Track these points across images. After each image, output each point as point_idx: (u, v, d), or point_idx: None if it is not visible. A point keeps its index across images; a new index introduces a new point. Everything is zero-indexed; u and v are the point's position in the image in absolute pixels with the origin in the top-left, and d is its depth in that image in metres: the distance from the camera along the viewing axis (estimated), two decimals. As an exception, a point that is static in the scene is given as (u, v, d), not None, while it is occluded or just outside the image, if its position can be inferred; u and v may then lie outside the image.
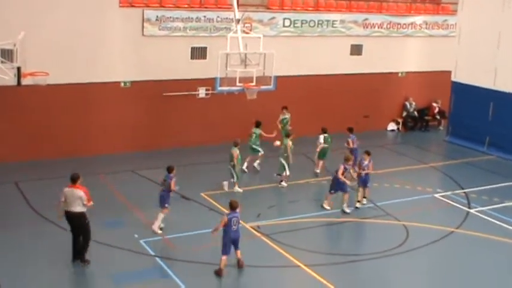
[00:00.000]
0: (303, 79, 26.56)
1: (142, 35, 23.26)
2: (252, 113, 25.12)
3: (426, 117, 29.89)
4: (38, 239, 15.97)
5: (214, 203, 18.80)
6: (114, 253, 15.37)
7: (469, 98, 26.65)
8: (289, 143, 20.46)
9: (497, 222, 18.04)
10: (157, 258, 15.20)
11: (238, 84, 20.61)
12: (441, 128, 29.93)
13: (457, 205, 19.45)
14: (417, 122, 29.75)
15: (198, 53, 24.31)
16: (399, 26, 28.44)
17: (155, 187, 19.95)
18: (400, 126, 29.44)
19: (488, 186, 21.11)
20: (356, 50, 27.84)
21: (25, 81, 18.00)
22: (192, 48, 24.21)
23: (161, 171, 21.37)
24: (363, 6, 27.86)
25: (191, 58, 24.30)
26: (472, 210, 19.03)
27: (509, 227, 17.67)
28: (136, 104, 23.55)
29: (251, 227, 17.04)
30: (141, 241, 16.00)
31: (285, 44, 25.46)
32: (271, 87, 21.30)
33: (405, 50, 29.10)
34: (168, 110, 24.15)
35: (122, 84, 23.40)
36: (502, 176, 22.42)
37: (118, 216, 17.63)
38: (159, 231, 16.50)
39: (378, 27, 27.97)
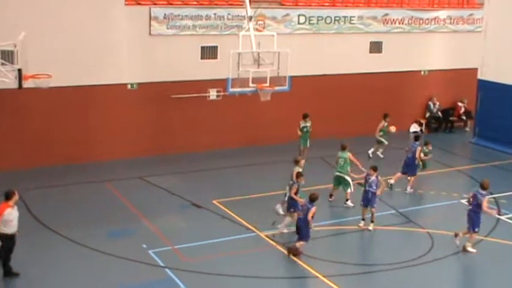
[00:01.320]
0: (319, 79, 26.47)
1: (150, 34, 23.29)
2: (266, 115, 25.13)
3: (451, 118, 29.67)
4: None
5: (226, 210, 18.74)
6: (121, 264, 15.34)
7: (496, 97, 26.41)
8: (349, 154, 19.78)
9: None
10: (167, 270, 15.14)
11: (251, 85, 20.50)
12: (467, 129, 29.69)
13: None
14: (441, 123, 29.54)
15: (209, 52, 24.30)
16: (421, 21, 28.27)
17: (164, 194, 20.05)
18: (424, 127, 29.24)
19: (518, 191, 20.88)
20: (375, 47, 27.70)
21: (26, 84, 18.10)
22: (202, 47, 24.22)
23: (170, 177, 21.61)
24: (382, 1, 27.75)
25: (201, 58, 24.30)
26: (502, 217, 18.79)
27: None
28: (143, 106, 23.57)
29: (266, 236, 16.96)
30: (150, 251, 15.96)
31: (300, 42, 25.38)
32: (286, 87, 21.19)
33: (428, 47, 28.91)
34: (177, 113, 24.14)
35: (129, 86, 23.44)
36: (533, 180, 22.17)
37: (125, 225, 17.62)
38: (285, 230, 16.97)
39: (399, 23, 27.82)
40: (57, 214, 18.11)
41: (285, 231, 16.97)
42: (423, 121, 29.23)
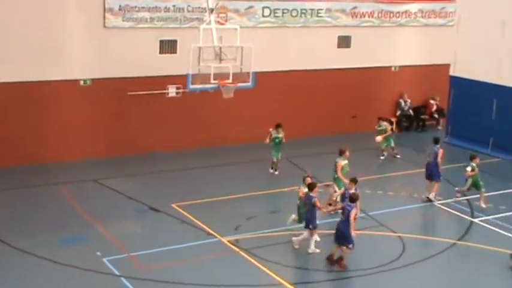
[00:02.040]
0: (285, 75, 26.52)
1: (104, 26, 23.08)
2: (229, 113, 25.11)
3: (423, 116, 29.99)
4: None
5: (187, 214, 18.64)
6: (73, 274, 15.11)
7: (469, 94, 26.77)
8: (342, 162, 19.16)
9: (504, 233, 18.05)
10: (123, 279, 14.97)
11: (212, 81, 20.53)
12: (440, 127, 30.03)
13: (459, 214, 19.47)
14: (413, 121, 29.84)
15: (167, 46, 24.19)
16: (392, 14, 28.52)
17: (120, 198, 19.87)
18: (394, 126, 29.46)
19: (493, 193, 21.12)
20: (344, 42, 27.86)
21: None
22: (160, 41, 24.09)
23: (126, 179, 21.44)
24: (351, -8, 27.94)
25: (160, 52, 24.18)
26: (475, 220, 19.04)
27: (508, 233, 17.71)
28: (98, 104, 23.33)
29: (228, 241, 16.92)
30: (105, 259, 15.77)
31: (264, 36, 25.42)
32: (249, 84, 21.24)
33: (399, 42, 29.18)
34: (134, 111, 23.97)
35: (82, 82, 23.19)
36: (509, 181, 22.49)
37: (78, 232, 17.39)
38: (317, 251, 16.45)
39: (368, 17, 28.02)
40: (2, 220, 17.79)
41: (318, 251, 16.44)
42: (394, 119, 29.45)
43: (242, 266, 15.85)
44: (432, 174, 20.54)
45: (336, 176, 18.96)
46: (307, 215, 16.41)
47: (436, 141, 20.73)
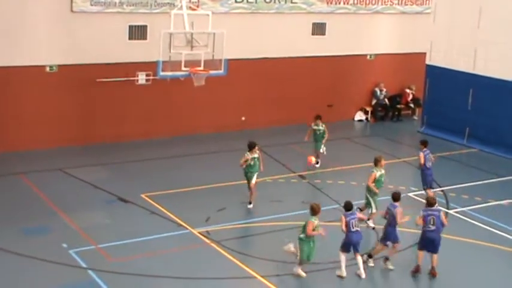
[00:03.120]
0: (258, 62, 26.52)
1: (71, 11, 22.88)
2: (200, 101, 25.07)
3: (398, 106, 30.20)
4: None
5: (156, 205, 18.60)
6: (38, 266, 15.02)
7: (445, 84, 27.01)
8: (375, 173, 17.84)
9: (479, 224, 18.29)
10: (90, 271, 14.91)
11: (183, 68, 20.48)
12: (415, 117, 30.30)
13: (434, 205, 19.65)
14: (388, 111, 30.04)
15: (137, 32, 24.05)
16: (368, 1, 28.62)
17: (87, 188, 19.78)
18: (369, 115, 29.68)
19: (468, 184, 21.41)
20: (319, 29, 27.91)
21: None
22: (130, 26, 23.96)
23: (94, 169, 21.32)
24: (326, -22, 27.97)
25: (129, 38, 24.05)
26: (450, 211, 19.25)
27: (493, 230, 17.93)
28: (64, 91, 23.17)
29: (199, 233, 16.92)
30: (71, 251, 15.69)
31: (237, 22, 25.37)
32: (221, 72, 21.20)
33: (375, 29, 29.31)
34: (102, 99, 23.82)
35: (48, 68, 23.00)
36: (484, 172, 22.79)
37: (43, 222, 17.28)
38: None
39: (344, 3, 28.09)
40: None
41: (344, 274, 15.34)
42: (369, 109, 29.66)
43: (213, 258, 15.86)
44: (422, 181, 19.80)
45: (368, 187, 17.79)
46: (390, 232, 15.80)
47: (396, 198, 16.08)
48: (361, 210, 17.74)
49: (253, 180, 18.98)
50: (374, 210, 17.77)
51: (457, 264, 16.01)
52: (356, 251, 15.31)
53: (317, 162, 22.30)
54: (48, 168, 21.15)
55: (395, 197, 15.84)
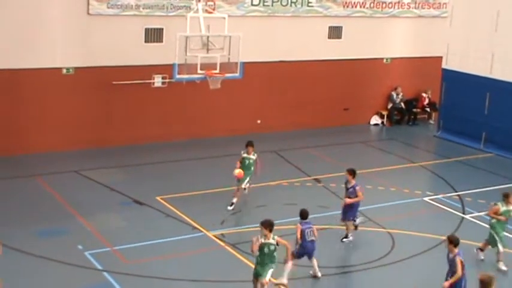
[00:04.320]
0: (274, 66, 26.51)
1: (88, 13, 22.94)
2: (215, 104, 25.10)
3: (414, 110, 30.06)
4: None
5: (171, 208, 18.63)
6: (53, 268, 15.08)
7: (462, 88, 26.87)
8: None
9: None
10: (105, 273, 14.95)
11: (199, 71, 20.48)
12: (432, 121, 30.16)
13: (450, 210, 19.56)
14: (404, 115, 29.91)
15: (153, 35, 24.09)
16: (384, 5, 28.54)
17: (103, 190, 19.84)
18: (385, 119, 29.58)
19: (485, 189, 21.26)
20: (335, 32, 27.86)
21: None
22: (146, 29, 23.99)
23: (110, 171, 21.38)
24: (342, -18, 27.93)
25: (145, 41, 24.08)
26: (467, 216, 19.14)
27: (509, 235, 17.79)
28: (80, 93, 23.22)
29: (214, 236, 16.93)
30: (86, 253, 15.75)
31: (253, 25, 25.36)
32: (237, 75, 21.20)
33: (391, 33, 29.21)
34: (118, 101, 23.88)
35: (64, 70, 23.06)
36: (501, 177, 22.63)
37: (59, 224, 17.34)
38: None
39: (360, 7, 28.02)
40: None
41: None
42: (385, 113, 29.56)
43: (228, 261, 15.86)
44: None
45: (491, 221, 16.25)
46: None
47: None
48: (481, 250, 16.37)
49: (243, 184, 18.75)
50: (501, 249, 16.05)
51: (471, 269, 15.89)
52: (310, 258, 15.09)
53: (231, 204, 18.78)
54: (64, 170, 21.23)
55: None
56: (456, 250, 13.51)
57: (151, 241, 16.54)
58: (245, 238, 16.83)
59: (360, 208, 17.49)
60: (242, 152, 18.86)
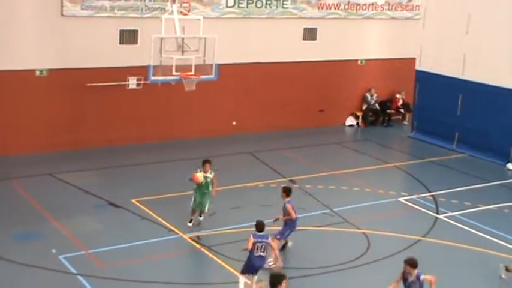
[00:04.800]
0: (249, 67, 26.46)
1: (62, 15, 22.73)
2: (191, 106, 25.01)
3: (389, 111, 30.19)
4: None
5: (147, 210, 18.50)
6: (26, 272, 14.86)
7: (435, 89, 27.03)
8: None
9: (469, 229, 18.28)
10: (80, 277, 14.78)
11: (174, 73, 20.46)
12: (406, 122, 30.31)
13: (424, 210, 19.65)
14: (379, 116, 30.03)
15: (128, 37, 23.94)
16: (358, 7, 28.62)
17: (77, 193, 19.65)
18: (360, 120, 29.67)
19: (458, 189, 21.42)
20: (310, 34, 27.88)
21: None
22: (120, 31, 23.82)
23: (84, 174, 21.19)
24: (317, -16, 27.97)
25: (120, 43, 23.91)
26: (440, 216, 19.24)
27: (482, 234, 17.93)
28: (54, 95, 23.01)
29: (190, 238, 16.82)
30: (61, 257, 15.55)
31: (228, 27, 25.29)
32: (212, 76, 21.18)
33: (365, 35, 29.31)
34: (92, 103, 23.68)
35: (37, 72, 22.83)
36: (474, 177, 22.81)
37: (32, 228, 17.13)
38: None
39: (335, 8, 28.07)
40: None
41: None
42: (359, 114, 29.64)
43: (204, 264, 15.80)
44: None
45: None
46: None
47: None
48: (508, 269, 15.43)
49: (206, 208, 17.29)
50: None
51: (445, 268, 15.97)
52: (254, 274, 14.03)
53: (190, 221, 17.40)
54: (38, 173, 20.99)
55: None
56: (415, 271, 12.36)
57: (126, 244, 16.40)
58: (221, 240, 16.80)
59: (334, 209, 17.47)
60: (198, 170, 17.13)
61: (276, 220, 15.89)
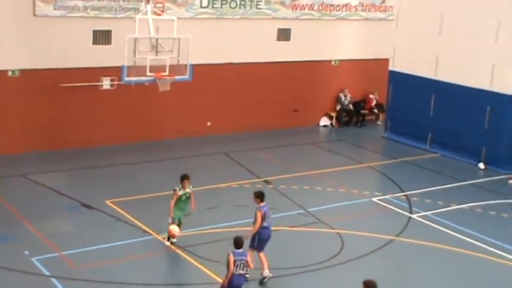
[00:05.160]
0: (223, 68, 26.41)
1: (34, 15, 22.50)
2: (165, 106, 24.90)
3: (362, 111, 30.33)
4: None
5: (121, 211, 18.38)
6: (-1, 274, 14.72)
7: (408, 90, 27.18)
8: None
9: (442, 229, 18.41)
10: (53, 279, 14.64)
11: (148, 73, 20.38)
12: (379, 123, 30.47)
13: (398, 210, 19.75)
14: (352, 116, 30.14)
15: (101, 37, 23.78)
16: (332, 7, 28.71)
17: (50, 194, 19.47)
18: (334, 121, 29.76)
19: (431, 188, 21.57)
20: (284, 35, 27.91)
21: None
22: (94, 31, 23.65)
23: (58, 175, 20.99)
24: (291, -15, 28.00)
25: (93, 43, 23.74)
26: (414, 216, 19.35)
27: (455, 234, 18.07)
28: (27, 96, 22.77)
29: (164, 239, 16.72)
30: (33, 259, 15.38)
31: (202, 27, 25.23)
32: (186, 77, 21.11)
33: (339, 36, 29.42)
34: (66, 104, 23.49)
35: (10, 73, 22.59)
36: (447, 176, 22.98)
37: (4, 229, 16.91)
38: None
39: (309, 9, 28.14)
40: None
41: None
42: (333, 114, 29.73)
43: (178, 264, 15.73)
44: None
45: None
46: None
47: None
48: None
49: (177, 229, 16.11)
50: None
51: (418, 267, 16.08)
52: None
53: (171, 238, 16.46)
54: (10, 175, 20.75)
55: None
56: None
57: (100, 245, 16.27)
58: (195, 241, 16.74)
59: (309, 209, 17.40)
60: (177, 189, 16.25)
61: (248, 238, 14.76)
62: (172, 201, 16.20)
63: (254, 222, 14.94)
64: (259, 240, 14.98)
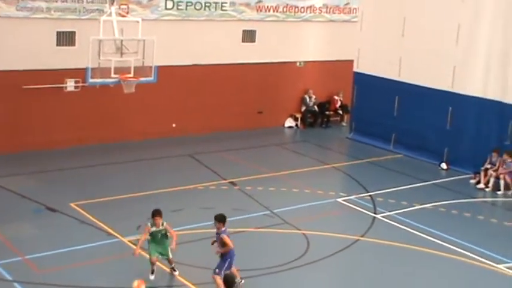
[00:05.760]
0: (188, 69, 26.35)
1: (-4, 16, 22.26)
2: (130, 108, 24.76)
3: (327, 112, 30.47)
4: None
5: (86, 214, 18.21)
6: (-39, 279, 14.49)
7: (372, 91, 27.38)
8: None
9: (406, 228, 18.56)
10: (16, 284, 14.43)
11: (113, 75, 20.28)
12: (344, 124, 30.66)
13: (362, 210, 19.87)
14: (317, 117, 30.27)
15: (65, 38, 23.58)
16: (297, 9, 28.82)
17: (12, 197, 19.24)
18: (299, 122, 29.86)
19: (395, 188, 21.75)
20: (249, 36, 27.95)
21: None
22: (57, 32, 23.45)
23: (20, 178, 20.72)
24: (256, -14, 28.04)
25: (57, 45, 23.54)
26: (378, 216, 19.49)
27: (419, 233, 18.24)
28: (-11, 98, 22.48)
29: (129, 241, 16.61)
30: (-4, 263, 15.21)
31: (167, 29, 25.16)
32: (151, 79, 21.04)
33: (304, 37, 29.54)
34: (29, 106, 23.23)
35: (-28, 75, 22.30)
36: (410, 177, 23.19)
37: (-33, 234, 16.68)
38: None
39: (273, 11, 28.21)
40: None
41: None
42: (298, 115, 29.84)
43: (143, 267, 15.58)
44: None
45: None
46: None
47: (221, 219, 14.26)
48: None
49: (170, 254, 14.93)
50: None
51: (383, 267, 16.20)
52: None
53: (152, 272, 15.05)
54: (-28, 178, 20.49)
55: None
56: None
57: (64, 249, 16.09)
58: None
59: (274, 210, 17.43)
60: (149, 225, 14.83)
61: (213, 243, 14.66)
62: (143, 236, 14.94)
63: (223, 246, 14.28)
64: (229, 265, 14.44)
